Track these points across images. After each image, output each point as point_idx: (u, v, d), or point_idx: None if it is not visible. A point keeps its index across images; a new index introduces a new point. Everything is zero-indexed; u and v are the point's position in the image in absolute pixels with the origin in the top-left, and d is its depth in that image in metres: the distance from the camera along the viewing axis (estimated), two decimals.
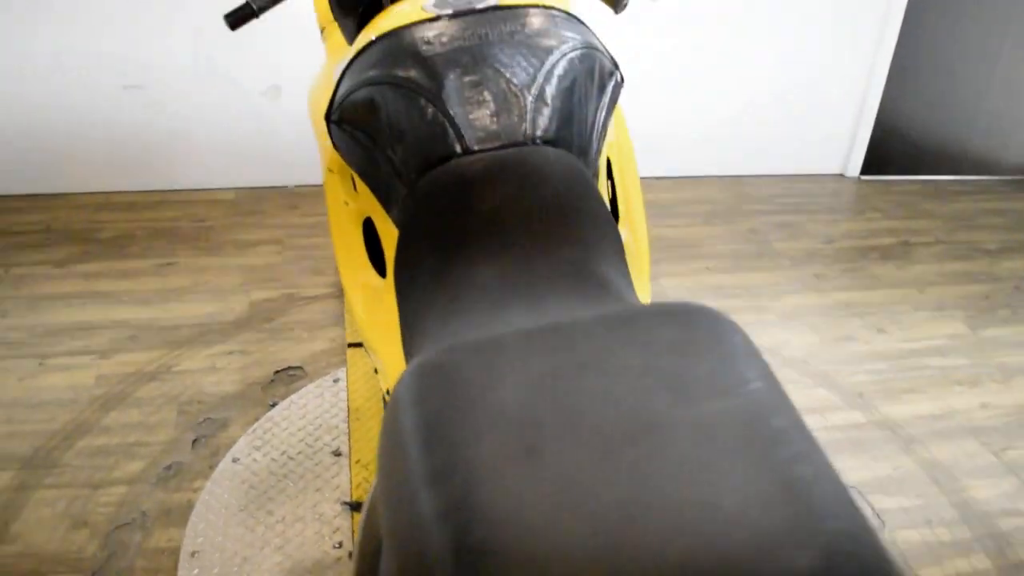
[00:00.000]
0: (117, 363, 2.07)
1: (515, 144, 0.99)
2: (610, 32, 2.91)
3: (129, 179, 2.87)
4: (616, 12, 1.29)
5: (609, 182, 1.20)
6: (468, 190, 0.96)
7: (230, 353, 2.12)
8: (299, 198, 2.90)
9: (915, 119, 4.00)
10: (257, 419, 1.89)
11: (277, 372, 2.06)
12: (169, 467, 1.77)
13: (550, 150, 1.00)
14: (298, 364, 2.09)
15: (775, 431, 0.55)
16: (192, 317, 2.26)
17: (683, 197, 3.10)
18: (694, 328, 0.65)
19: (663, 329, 0.65)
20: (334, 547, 1.51)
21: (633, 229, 1.20)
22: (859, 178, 3.39)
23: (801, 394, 2.12)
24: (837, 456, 1.93)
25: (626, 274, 0.98)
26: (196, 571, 1.47)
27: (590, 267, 0.90)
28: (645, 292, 1.19)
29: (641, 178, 3.23)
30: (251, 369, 2.07)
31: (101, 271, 2.45)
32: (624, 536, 0.48)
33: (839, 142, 3.35)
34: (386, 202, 1.06)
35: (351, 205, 1.17)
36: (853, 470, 1.89)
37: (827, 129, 3.31)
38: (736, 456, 0.53)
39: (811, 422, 2.02)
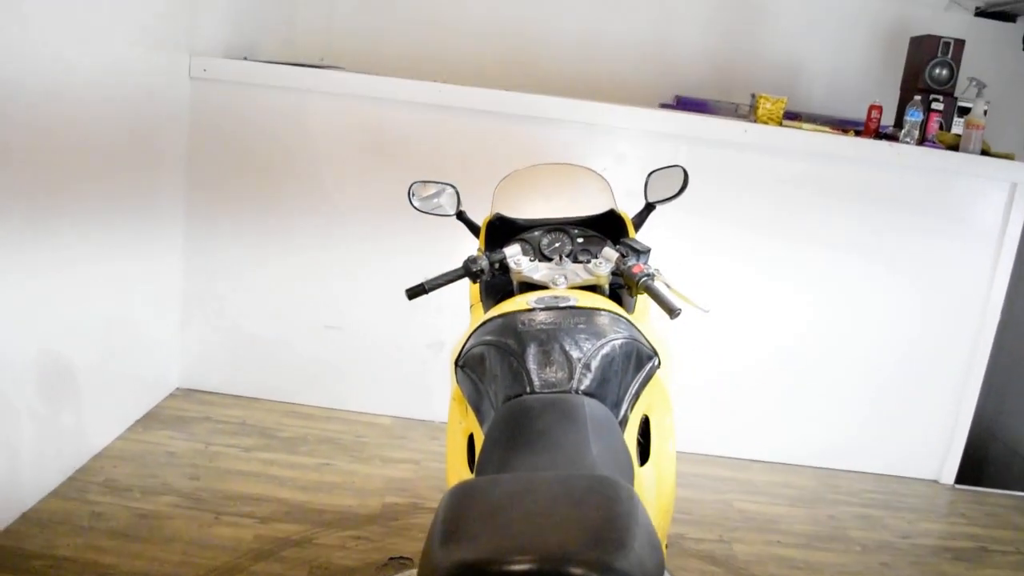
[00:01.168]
0: (272, 528, 2.63)
1: (564, 392, 1.54)
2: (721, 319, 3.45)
3: (312, 395, 3.59)
4: (671, 318, 1.80)
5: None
6: (528, 415, 1.49)
7: (358, 538, 2.63)
8: (439, 431, 3.49)
9: (1016, 430, 4.20)
10: None
11: (391, 558, 2.53)
12: None
13: (587, 399, 1.53)
14: (409, 556, 2.56)
15: (615, 514, 1.00)
16: (336, 506, 2.81)
17: (774, 480, 3.44)
18: (603, 485, 1.12)
19: (585, 484, 1.13)
20: None
21: (660, 472, 1.64)
22: (953, 486, 3.59)
23: None
24: None
25: (620, 466, 1.44)
26: None
27: (585, 452, 1.38)
28: (665, 529, 1.62)
29: (738, 458, 3.59)
30: (372, 553, 2.56)
31: (276, 460, 3.08)
32: (527, 542, 0.94)
33: (934, 447, 3.60)
34: (482, 422, 1.61)
35: (463, 424, 1.72)
36: None
37: (923, 433, 3.59)
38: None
39: None
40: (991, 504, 3.49)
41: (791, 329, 3.52)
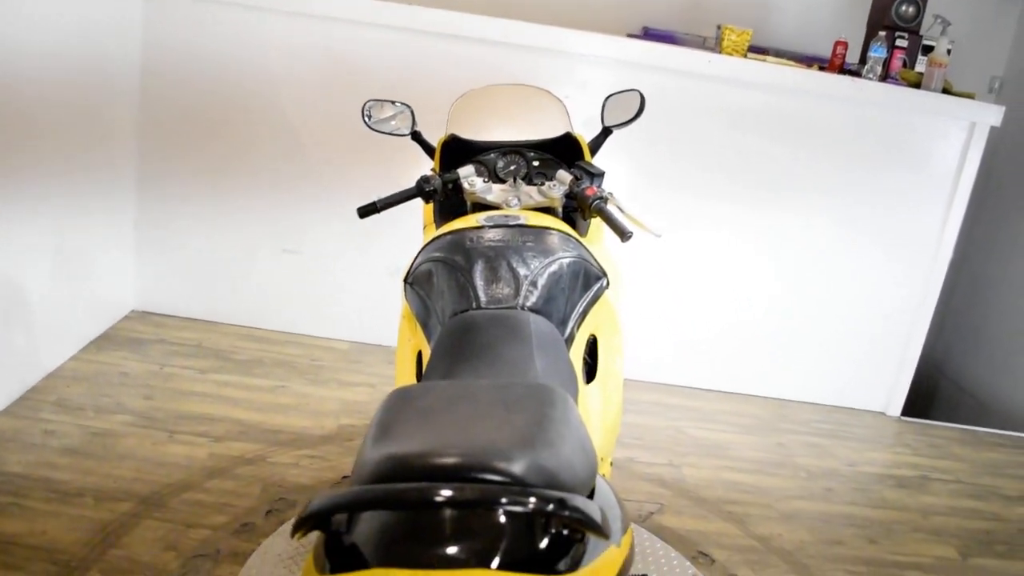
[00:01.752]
0: (226, 447, 2.64)
1: (510, 307, 1.54)
2: (676, 250, 3.47)
3: (268, 319, 3.57)
4: (623, 241, 1.81)
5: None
6: (474, 329, 1.49)
7: (312, 457, 2.65)
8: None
9: (965, 370, 4.31)
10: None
11: (344, 477, 2.56)
12: (245, 524, 2.27)
13: (533, 315, 1.53)
14: None
15: (549, 419, 1.01)
16: (291, 427, 2.82)
17: (724, 408, 3.50)
18: (540, 391, 1.13)
19: (522, 390, 1.14)
20: None
21: (605, 390, 1.66)
22: (899, 418, 3.69)
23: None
24: None
25: (564, 380, 1.46)
26: None
27: (529, 367, 1.39)
28: (610, 446, 1.65)
29: (690, 387, 3.65)
30: (326, 471, 2.58)
31: (231, 382, 3.08)
32: (450, 440, 0.95)
33: (882, 381, 3.69)
34: (430, 338, 1.61)
35: (411, 341, 1.72)
36: None
37: (872, 368, 3.67)
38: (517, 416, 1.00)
39: None
40: (935, 436, 3.59)
41: (744, 261, 3.55)
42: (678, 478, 2.87)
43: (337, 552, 0.80)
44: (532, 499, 0.73)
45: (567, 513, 0.74)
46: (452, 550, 0.76)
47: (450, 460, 0.86)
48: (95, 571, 2.05)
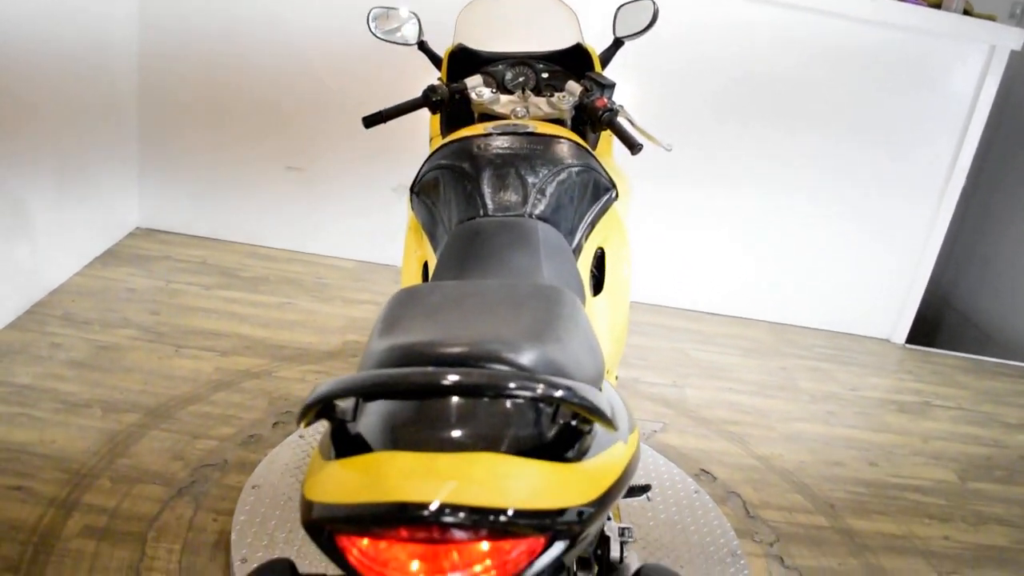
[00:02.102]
0: (232, 362, 2.65)
1: (518, 215, 1.51)
2: (683, 173, 3.43)
3: (273, 238, 3.56)
4: (633, 154, 1.78)
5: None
6: (481, 236, 1.47)
7: (318, 372, 2.66)
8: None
9: (971, 300, 4.30)
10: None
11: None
12: (252, 436, 2.30)
13: (541, 223, 1.51)
14: None
15: (557, 316, 1.00)
16: (296, 342, 2.83)
17: (728, 332, 3.51)
18: (548, 291, 1.12)
19: (529, 290, 1.12)
20: None
21: (612, 302, 1.66)
22: (903, 345, 3.69)
23: (775, 494, 2.44)
24: (790, 545, 2.24)
25: (572, 288, 1.44)
26: (253, 497, 1.96)
27: (536, 274, 1.38)
28: (616, 358, 1.64)
29: (695, 311, 3.65)
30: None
31: (237, 298, 3.08)
32: (458, 333, 0.93)
33: (888, 308, 3.69)
34: (436, 248, 1.59)
35: (417, 253, 1.70)
36: (800, 557, 2.20)
37: (878, 295, 3.66)
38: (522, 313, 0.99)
39: (776, 517, 2.34)
40: (938, 364, 3.60)
41: (753, 185, 3.51)
42: (681, 398, 2.89)
43: (343, 440, 0.79)
44: (541, 385, 0.72)
45: (576, 400, 0.74)
46: (458, 434, 0.75)
47: (457, 350, 0.85)
48: (104, 479, 2.08)
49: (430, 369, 0.76)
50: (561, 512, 0.71)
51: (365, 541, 0.71)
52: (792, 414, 2.92)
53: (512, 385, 0.72)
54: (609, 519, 1.19)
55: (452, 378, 0.72)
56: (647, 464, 2.33)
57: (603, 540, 1.22)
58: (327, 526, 0.72)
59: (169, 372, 2.56)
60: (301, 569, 0.88)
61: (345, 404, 0.83)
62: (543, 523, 0.69)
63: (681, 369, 3.10)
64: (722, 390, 3.00)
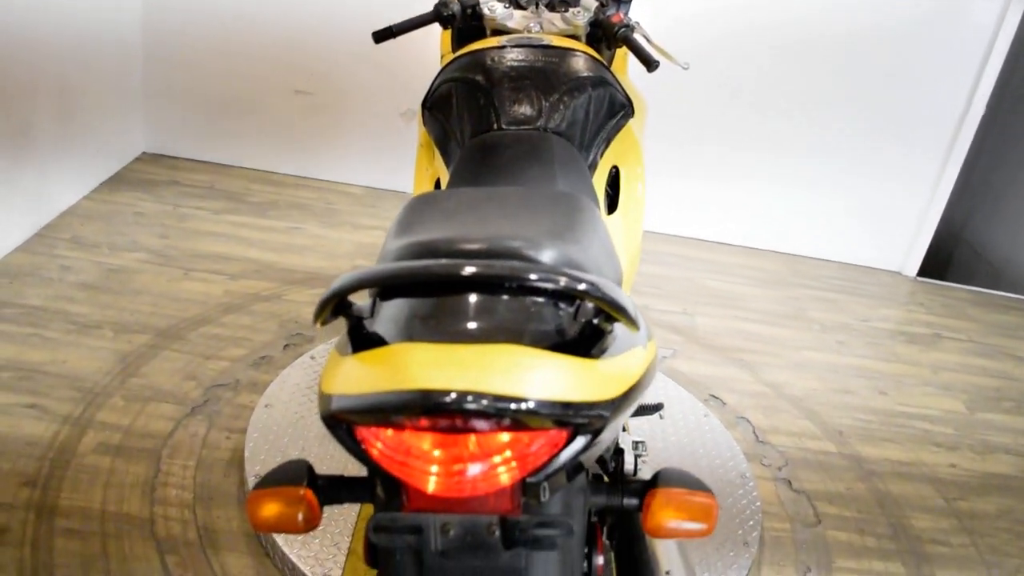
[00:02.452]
0: (242, 285, 2.65)
1: (532, 129, 1.48)
2: (698, 101, 3.38)
3: (282, 163, 3.52)
4: (649, 71, 1.74)
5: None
6: (495, 149, 1.44)
7: None
8: None
9: (984, 236, 4.26)
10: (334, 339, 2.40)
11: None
12: (263, 357, 2.30)
13: (556, 137, 1.48)
14: None
15: (577, 221, 0.98)
16: (306, 266, 2.82)
17: (740, 262, 3.49)
18: (565, 197, 1.09)
19: (546, 196, 1.10)
20: None
21: (627, 220, 1.63)
22: (915, 278, 3.67)
23: (784, 420, 2.45)
24: (797, 470, 2.25)
25: (582, 191, 1.42)
26: (265, 416, 1.97)
27: (551, 186, 1.36)
28: (631, 277, 1.62)
29: (707, 240, 3.63)
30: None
31: (245, 223, 3.07)
32: (481, 231, 0.91)
33: (900, 241, 3.65)
34: (448, 163, 1.56)
35: (429, 171, 1.67)
36: (808, 481, 2.21)
37: (890, 227, 3.62)
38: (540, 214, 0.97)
39: (784, 442, 2.36)
40: (950, 296, 3.58)
41: (766, 113, 3.44)
42: (691, 326, 2.88)
43: (360, 337, 0.78)
44: (564, 278, 0.71)
45: (599, 295, 0.72)
46: (480, 327, 0.74)
47: (476, 246, 0.83)
48: (117, 398, 2.09)
49: (450, 260, 0.74)
50: (583, 405, 0.70)
51: (385, 432, 0.70)
52: (802, 343, 2.92)
53: (534, 277, 0.71)
54: (624, 430, 1.19)
55: (473, 269, 0.71)
56: (656, 387, 2.34)
57: (618, 452, 1.22)
58: (346, 418, 0.70)
59: (179, 295, 2.55)
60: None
61: (362, 302, 0.82)
62: (566, 414, 0.68)
63: (692, 297, 3.09)
64: (733, 318, 2.99)
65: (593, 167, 1.55)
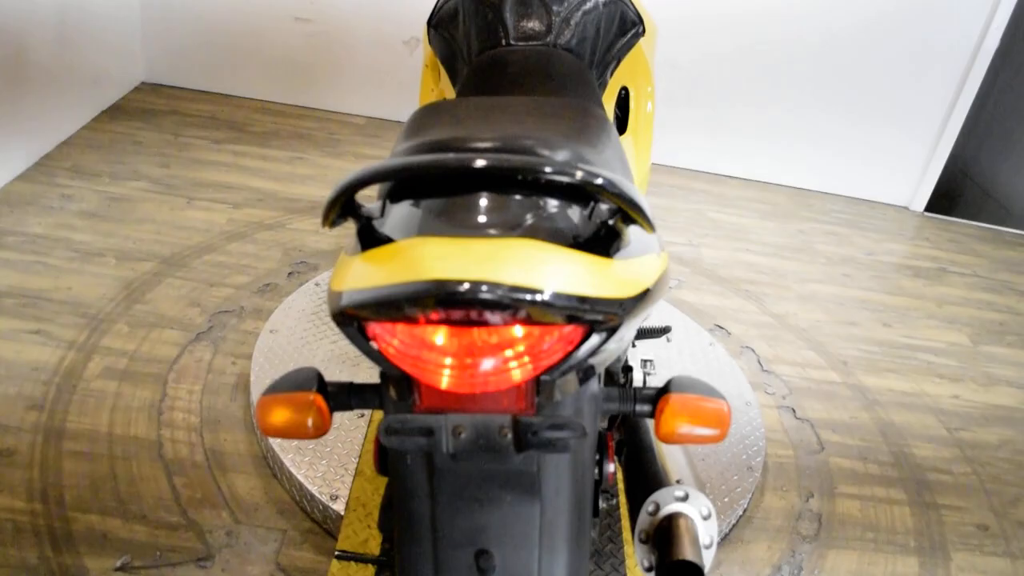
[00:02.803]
0: (245, 214, 2.62)
1: (541, 44, 1.44)
2: (705, 33, 3.31)
3: (283, 93, 3.47)
4: None
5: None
6: (503, 65, 1.41)
7: None
8: None
9: (993, 173, 4.21)
10: None
11: None
12: (267, 284, 2.29)
13: (566, 54, 1.44)
14: None
15: (590, 127, 0.95)
16: (310, 196, 2.80)
17: (747, 195, 3.46)
18: (577, 106, 1.07)
19: (558, 104, 1.07)
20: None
21: (637, 142, 1.61)
22: (922, 213, 3.64)
23: (788, 350, 2.45)
24: (801, 398, 2.26)
25: (591, 101, 1.40)
26: (271, 341, 1.96)
27: (560, 93, 1.33)
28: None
29: (714, 173, 3.59)
30: (344, 238, 2.57)
31: (247, 152, 3.03)
32: (492, 130, 0.88)
33: (909, 176, 3.62)
34: (455, 82, 1.52)
35: (435, 91, 1.64)
36: (812, 410, 2.22)
37: (899, 162, 3.59)
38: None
39: (789, 372, 2.36)
40: (957, 232, 3.56)
41: (776, 44, 3.38)
42: (697, 257, 2.87)
43: (370, 237, 0.76)
44: (580, 172, 0.69)
45: (617, 191, 0.70)
46: (494, 222, 0.72)
47: (489, 143, 0.81)
48: (122, 324, 2.08)
49: (462, 154, 0.72)
50: (599, 301, 0.68)
51: (397, 328, 0.68)
52: (808, 275, 2.90)
53: (549, 169, 0.68)
54: (634, 346, 1.18)
55: (486, 162, 0.68)
56: (662, 315, 2.33)
57: (627, 370, 1.22)
58: (357, 313, 0.69)
59: (182, 223, 2.54)
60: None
61: (372, 204, 0.80)
62: (581, 309, 0.67)
63: (698, 229, 3.07)
64: (738, 251, 2.97)
65: (603, 86, 1.52)
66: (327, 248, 2.50)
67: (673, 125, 3.38)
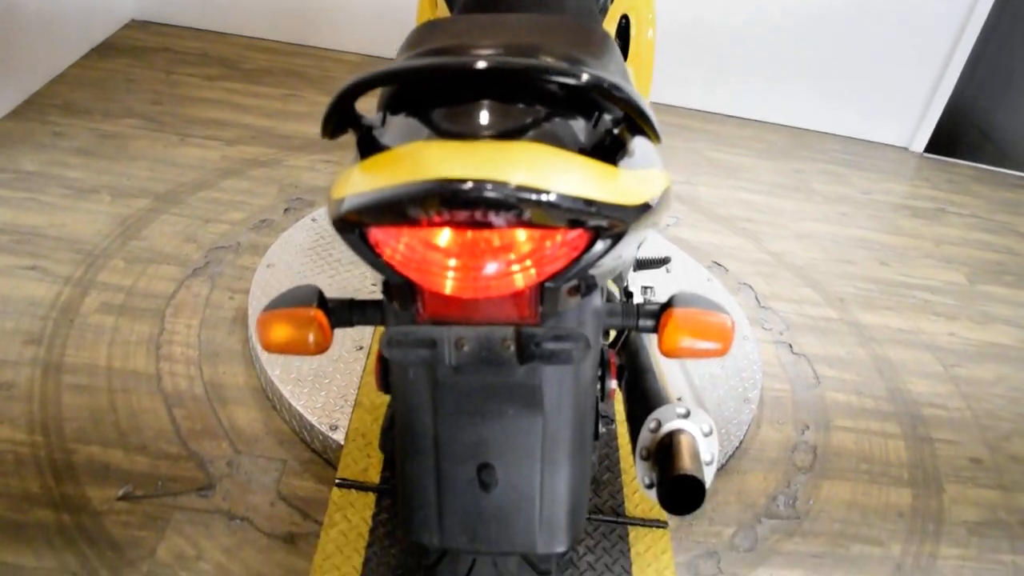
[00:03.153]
0: (239, 151, 2.60)
1: None
2: None
3: (276, 30, 3.41)
4: None
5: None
6: None
7: (327, 161, 2.61)
8: None
9: (992, 116, 4.18)
10: None
11: None
12: (263, 220, 2.28)
13: None
14: None
15: (593, 41, 0.93)
16: (304, 133, 2.76)
17: (744, 134, 3.43)
18: (579, 24, 1.05)
19: (559, 21, 1.05)
20: (372, 285, 1.98)
21: (639, 69, 1.58)
22: (922, 154, 3.62)
23: (785, 287, 2.45)
24: (798, 334, 2.27)
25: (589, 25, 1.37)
26: (268, 275, 1.96)
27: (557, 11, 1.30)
28: None
29: (711, 112, 3.56)
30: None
31: (239, 89, 2.99)
32: (486, 41, 0.86)
33: (909, 116, 3.59)
34: (452, 7, 1.49)
35: (431, 17, 1.60)
36: (808, 345, 2.23)
37: (899, 102, 3.55)
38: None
39: (786, 308, 2.36)
40: (956, 173, 3.54)
41: None
42: (694, 196, 2.85)
43: (371, 148, 0.75)
44: (586, 74, 0.67)
45: (623, 96, 0.69)
46: (499, 126, 0.70)
47: (492, 51, 0.79)
48: (118, 260, 2.07)
49: (465, 57, 0.70)
50: (605, 206, 0.67)
51: (400, 232, 0.67)
52: (805, 214, 2.89)
53: (554, 70, 0.67)
54: (634, 270, 1.18)
55: (489, 63, 0.67)
56: (660, 248, 2.32)
57: (627, 295, 1.21)
58: (359, 219, 0.68)
59: (175, 160, 2.51)
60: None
61: (372, 115, 0.79)
62: (587, 212, 0.66)
63: (696, 168, 3.05)
64: (736, 189, 2.96)
65: (603, 11, 1.49)
66: (324, 184, 2.48)
67: (671, 64, 3.34)
